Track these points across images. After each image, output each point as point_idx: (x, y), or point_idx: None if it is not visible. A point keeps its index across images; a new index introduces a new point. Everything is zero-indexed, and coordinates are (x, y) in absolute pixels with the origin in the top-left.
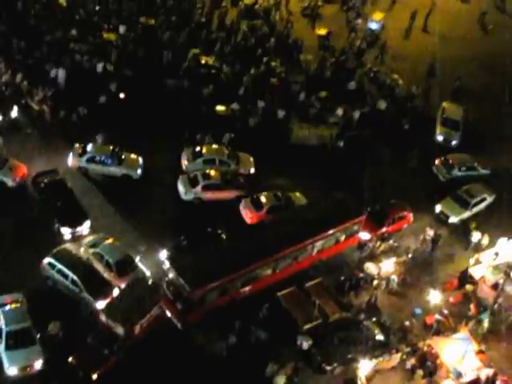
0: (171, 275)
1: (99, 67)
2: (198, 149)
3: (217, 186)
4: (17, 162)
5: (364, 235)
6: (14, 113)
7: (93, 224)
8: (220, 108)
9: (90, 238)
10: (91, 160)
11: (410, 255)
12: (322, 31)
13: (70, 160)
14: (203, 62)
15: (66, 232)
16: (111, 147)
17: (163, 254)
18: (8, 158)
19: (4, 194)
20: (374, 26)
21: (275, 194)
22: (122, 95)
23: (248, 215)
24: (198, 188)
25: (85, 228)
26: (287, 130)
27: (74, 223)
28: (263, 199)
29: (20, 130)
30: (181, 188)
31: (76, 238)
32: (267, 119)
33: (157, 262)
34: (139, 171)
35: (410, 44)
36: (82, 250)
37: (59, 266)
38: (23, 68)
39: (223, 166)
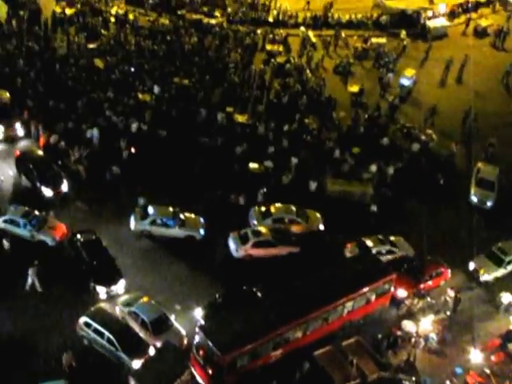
0: (200, 338)
1: (134, 127)
2: (265, 208)
3: (268, 243)
4: (56, 222)
5: (400, 292)
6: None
7: (128, 282)
8: (253, 166)
9: (126, 297)
10: (153, 223)
11: (448, 313)
12: (355, 88)
13: (133, 223)
14: (236, 120)
15: (102, 291)
16: (172, 208)
17: (198, 313)
18: (47, 217)
19: (43, 253)
20: (406, 81)
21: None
22: (132, 150)
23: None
24: (249, 245)
25: (120, 287)
26: (321, 184)
27: (109, 282)
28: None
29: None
30: (232, 245)
31: (111, 297)
32: (301, 176)
33: (192, 321)
34: (202, 231)
35: (444, 99)
36: (118, 309)
37: (95, 325)
38: (59, 128)
39: (292, 225)
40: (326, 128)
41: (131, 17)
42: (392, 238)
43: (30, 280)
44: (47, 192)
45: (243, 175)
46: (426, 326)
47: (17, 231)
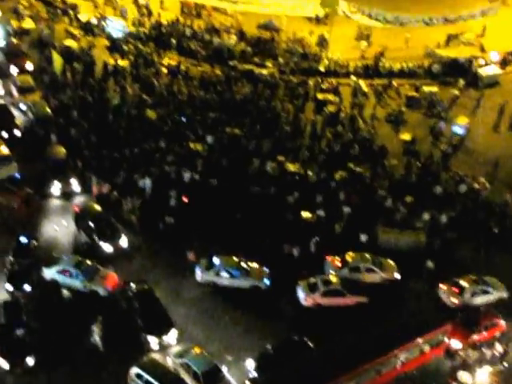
0: None
1: (186, 177)
2: (340, 257)
3: (337, 292)
4: (108, 271)
5: (455, 343)
6: None
7: (180, 333)
8: (306, 214)
9: (177, 348)
10: (219, 273)
11: (505, 364)
12: (407, 136)
13: (199, 274)
14: (288, 169)
15: (153, 341)
16: (236, 259)
17: (250, 364)
18: (99, 267)
19: (95, 303)
20: (458, 130)
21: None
22: (185, 199)
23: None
24: (318, 294)
25: (172, 337)
26: (373, 233)
27: (161, 332)
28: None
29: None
30: (300, 293)
31: (163, 348)
32: (353, 225)
33: (244, 373)
34: (267, 281)
35: (497, 147)
36: (169, 360)
37: (146, 376)
38: (112, 178)
39: (369, 274)
40: (377, 176)
41: (183, 68)
42: (486, 278)
43: (94, 337)
44: (107, 248)
45: (296, 224)
46: (482, 377)
47: (69, 282)
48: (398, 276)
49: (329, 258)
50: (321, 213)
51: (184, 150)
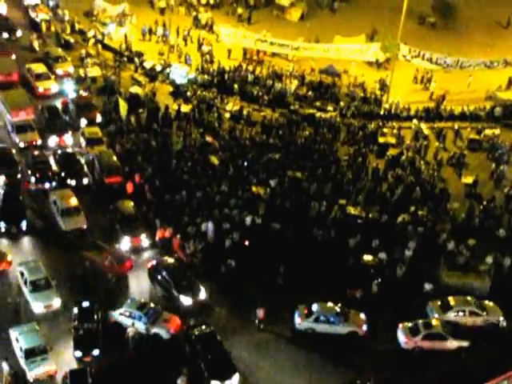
0: None
1: (248, 220)
2: (442, 301)
3: (439, 335)
4: (170, 314)
5: None
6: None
7: (242, 378)
8: (367, 258)
9: None
10: (317, 320)
11: None
12: (469, 179)
13: (297, 321)
14: (349, 212)
15: None
16: (334, 305)
17: None
18: (162, 310)
19: (158, 347)
20: None
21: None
22: (246, 243)
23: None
24: (419, 337)
25: (234, 382)
26: (436, 277)
27: (224, 377)
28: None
29: None
30: (401, 336)
31: None
32: (415, 268)
33: None
34: (365, 327)
35: None
36: None
37: None
38: (175, 222)
39: (472, 317)
40: (440, 220)
41: (245, 112)
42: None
43: None
44: (186, 301)
45: (357, 267)
46: None
47: (131, 324)
48: (502, 319)
49: (430, 303)
50: (382, 256)
51: (246, 193)
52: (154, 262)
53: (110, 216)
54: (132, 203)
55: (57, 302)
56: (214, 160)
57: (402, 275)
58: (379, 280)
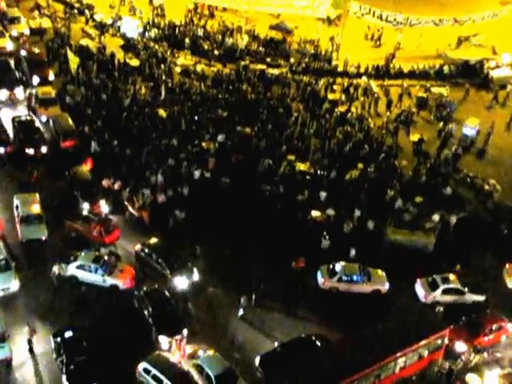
0: None
1: (196, 174)
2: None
3: (457, 290)
4: (125, 265)
5: (459, 346)
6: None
7: (192, 334)
8: (315, 214)
9: (190, 349)
10: (341, 279)
11: None
12: (415, 137)
13: (321, 280)
14: (298, 168)
15: (164, 341)
16: (358, 265)
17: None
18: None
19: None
20: (469, 131)
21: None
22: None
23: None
24: (438, 292)
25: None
26: (381, 234)
27: (172, 332)
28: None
29: None
30: (420, 291)
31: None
32: (363, 226)
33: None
34: (387, 285)
35: (508, 150)
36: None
37: (154, 371)
38: (124, 175)
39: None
40: (387, 177)
41: (197, 68)
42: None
43: None
44: (181, 283)
45: (305, 223)
46: (491, 380)
47: (89, 277)
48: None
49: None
50: (331, 212)
51: (195, 148)
52: (140, 245)
53: (67, 183)
54: (88, 168)
55: (15, 285)
56: (163, 113)
57: (349, 232)
58: (327, 237)
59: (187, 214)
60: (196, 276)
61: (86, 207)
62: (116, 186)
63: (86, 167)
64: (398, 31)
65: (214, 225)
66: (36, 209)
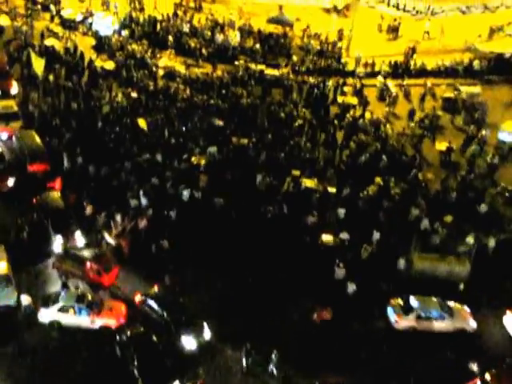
0: None
1: (185, 195)
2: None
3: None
4: (113, 301)
5: None
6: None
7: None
8: (327, 238)
9: None
10: (419, 316)
11: None
12: (443, 145)
13: (394, 318)
14: (304, 185)
15: None
16: (437, 299)
17: None
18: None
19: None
20: (506, 137)
21: None
22: None
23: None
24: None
25: None
26: (406, 261)
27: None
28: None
29: None
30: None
31: None
32: (383, 251)
33: None
34: (473, 322)
35: None
36: None
37: None
38: (99, 198)
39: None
40: (410, 193)
41: (182, 69)
42: (451, 305)
43: None
44: (189, 343)
45: (315, 249)
46: None
47: (74, 320)
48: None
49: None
50: (345, 236)
51: (184, 164)
52: (142, 296)
53: (36, 212)
54: (59, 194)
55: None
56: (144, 124)
57: (367, 258)
58: (341, 264)
59: (174, 241)
60: (208, 334)
61: (59, 241)
62: (88, 211)
63: (56, 193)
64: (424, 20)
65: (205, 254)
66: (2, 268)
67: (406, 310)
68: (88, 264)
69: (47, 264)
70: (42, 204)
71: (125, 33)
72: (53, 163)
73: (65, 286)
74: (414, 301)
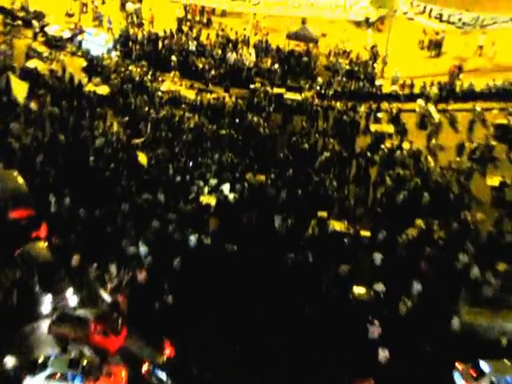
0: None
1: (192, 240)
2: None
3: None
4: (113, 365)
5: None
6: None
7: None
8: (359, 291)
9: None
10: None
11: None
12: (496, 181)
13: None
14: (332, 228)
15: None
16: (510, 364)
17: None
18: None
19: None
20: None
21: None
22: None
23: None
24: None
25: None
26: (451, 315)
27: None
28: None
29: None
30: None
31: None
32: (425, 304)
33: None
34: None
35: None
36: None
37: None
38: (91, 246)
39: None
40: (458, 237)
41: (188, 94)
42: None
43: None
44: None
45: (346, 304)
46: None
47: None
48: None
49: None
50: (380, 288)
51: (190, 204)
52: (149, 365)
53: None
54: (46, 244)
55: None
56: (143, 158)
57: (406, 314)
58: (375, 322)
59: (179, 296)
60: None
61: (48, 301)
62: (74, 261)
63: (43, 243)
64: (473, 33)
65: (217, 311)
66: None
67: (477, 376)
68: (92, 325)
69: (35, 327)
70: (27, 257)
71: (116, 53)
72: (37, 207)
73: (65, 352)
74: (485, 365)
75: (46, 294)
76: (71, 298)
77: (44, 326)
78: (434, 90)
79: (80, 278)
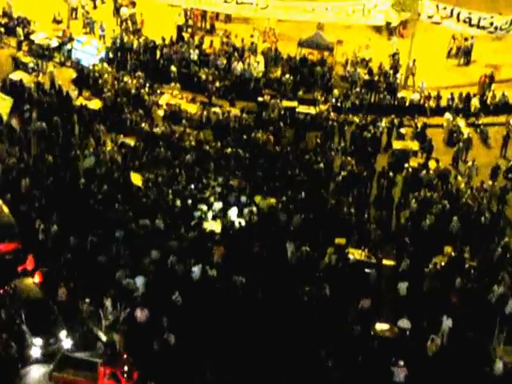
0: None
1: (195, 272)
2: None
3: None
4: None
5: None
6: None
7: None
8: (381, 327)
9: None
10: None
11: None
12: None
13: None
14: (352, 256)
15: None
16: None
17: None
18: None
19: None
20: None
21: None
22: None
23: None
24: None
25: None
26: (486, 356)
27: None
28: None
29: None
30: None
31: None
32: (456, 342)
33: None
34: None
35: None
36: None
37: None
38: (84, 278)
39: None
40: (491, 266)
41: (190, 109)
42: None
43: None
44: None
45: (367, 342)
46: None
47: None
48: None
49: None
50: (404, 324)
51: (193, 232)
52: None
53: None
54: (36, 281)
55: None
56: (139, 180)
57: (433, 354)
58: (400, 363)
59: (181, 334)
60: None
61: (38, 344)
62: (60, 295)
63: (31, 279)
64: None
65: (222, 350)
66: None
67: None
68: (101, 369)
69: (24, 373)
70: (13, 295)
71: (114, 62)
72: (23, 237)
73: None
74: None
75: (36, 336)
76: (65, 339)
77: (36, 370)
78: (475, 103)
79: (72, 316)
